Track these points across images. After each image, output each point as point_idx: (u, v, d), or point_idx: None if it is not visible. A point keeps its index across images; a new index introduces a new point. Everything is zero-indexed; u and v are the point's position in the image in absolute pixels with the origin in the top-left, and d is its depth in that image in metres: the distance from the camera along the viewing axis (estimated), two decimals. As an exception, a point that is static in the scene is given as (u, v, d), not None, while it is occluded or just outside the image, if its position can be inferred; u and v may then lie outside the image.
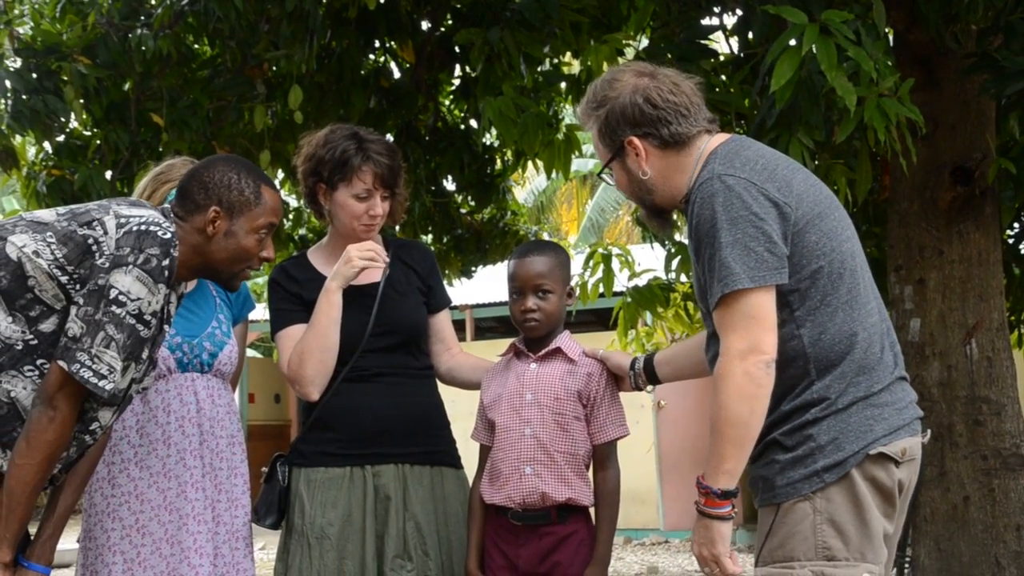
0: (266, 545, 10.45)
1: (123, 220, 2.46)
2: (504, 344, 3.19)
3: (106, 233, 2.44)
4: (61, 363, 2.40)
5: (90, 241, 2.44)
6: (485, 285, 11.77)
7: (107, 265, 2.41)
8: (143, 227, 2.44)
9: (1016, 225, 6.06)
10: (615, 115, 2.50)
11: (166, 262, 2.44)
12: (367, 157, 3.04)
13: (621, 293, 6.80)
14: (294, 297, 3.11)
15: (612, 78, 2.55)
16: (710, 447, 2.30)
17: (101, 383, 2.41)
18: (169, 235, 2.46)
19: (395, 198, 3.13)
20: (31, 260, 2.43)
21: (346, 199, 3.07)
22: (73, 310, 2.42)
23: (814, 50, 3.56)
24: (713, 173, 2.35)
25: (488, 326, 14.62)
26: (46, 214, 2.52)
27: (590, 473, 2.96)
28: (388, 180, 3.07)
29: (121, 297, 2.40)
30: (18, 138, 5.64)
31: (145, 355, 2.55)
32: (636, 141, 2.48)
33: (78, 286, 2.43)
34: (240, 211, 2.61)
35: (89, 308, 2.40)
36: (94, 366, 2.40)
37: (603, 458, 2.94)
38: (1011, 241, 6.06)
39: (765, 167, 2.36)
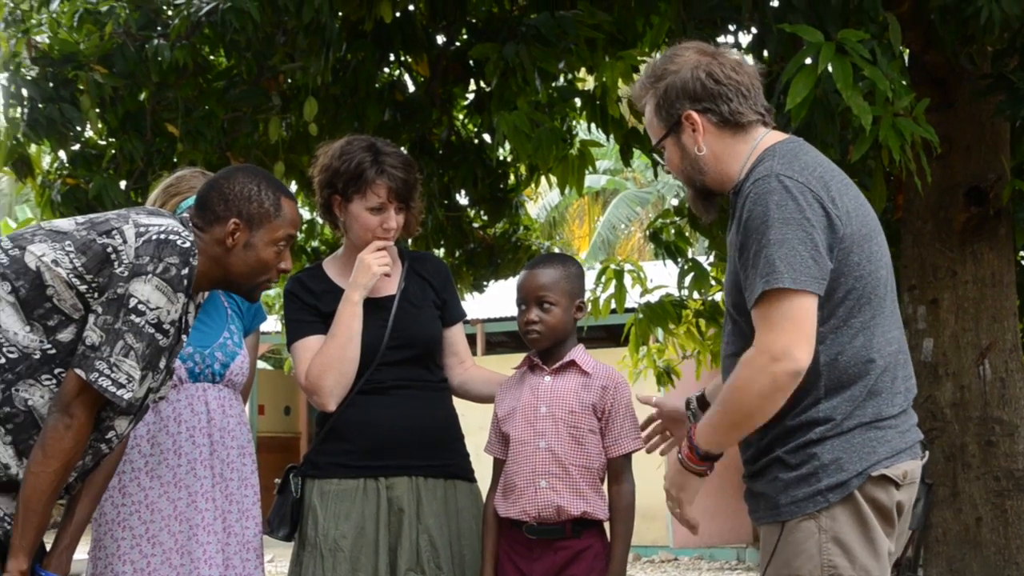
0: (275, 558, 10.44)
1: (142, 229, 2.46)
2: (515, 359, 3.18)
3: (125, 242, 2.44)
4: (79, 371, 2.39)
5: (109, 250, 2.44)
6: (497, 300, 11.76)
7: (126, 274, 2.41)
8: (163, 236, 2.44)
9: (1030, 246, 6.03)
10: (675, 88, 2.47)
11: (185, 271, 2.44)
12: (382, 170, 3.04)
13: (633, 309, 6.79)
14: (310, 308, 3.11)
15: (674, 53, 2.52)
16: (713, 412, 2.35)
17: (119, 392, 2.41)
18: (188, 244, 2.47)
19: (410, 211, 3.13)
20: (50, 269, 2.43)
21: (360, 211, 3.07)
22: (91, 319, 2.42)
23: (830, 69, 3.57)
24: (771, 171, 2.32)
25: (499, 340, 14.61)
26: (65, 223, 2.53)
27: (604, 487, 2.95)
28: (403, 194, 3.07)
29: (140, 306, 2.40)
30: (33, 147, 5.66)
31: (163, 364, 2.55)
32: (694, 115, 2.45)
33: (96, 295, 2.43)
34: (260, 223, 2.61)
35: (108, 317, 2.40)
36: (112, 375, 2.39)
37: (618, 471, 2.93)
38: (1024, 262, 6.04)
39: (822, 176, 2.34)
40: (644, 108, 2.57)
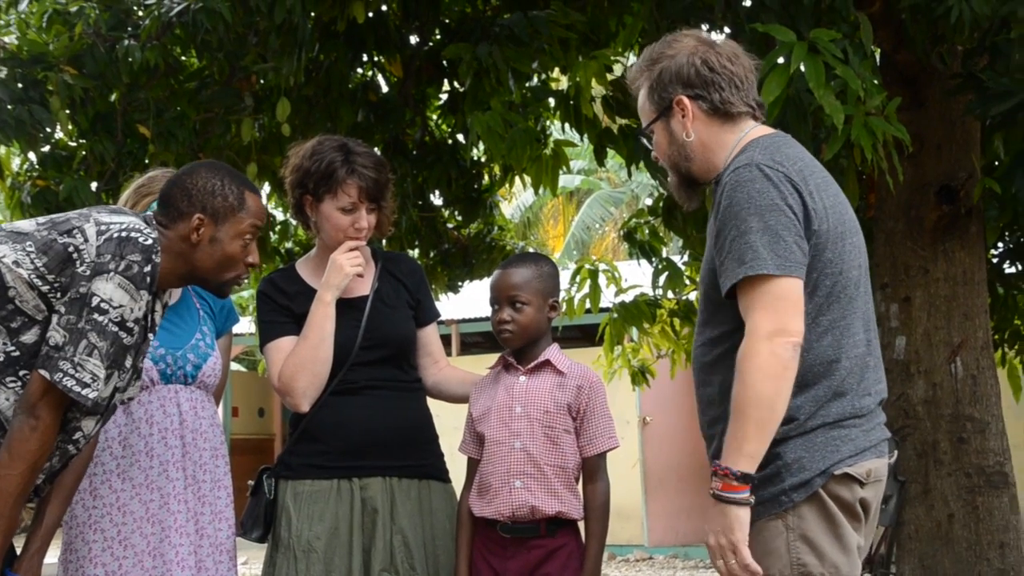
0: (249, 560, 10.39)
1: (103, 227, 2.44)
2: (490, 359, 3.18)
3: (87, 241, 2.42)
4: (43, 372, 2.37)
5: (70, 249, 2.42)
6: (471, 300, 11.75)
7: (88, 273, 2.39)
8: (124, 234, 2.42)
9: (1000, 245, 6.09)
10: (669, 72, 2.48)
11: (148, 268, 2.43)
12: (352, 170, 3.03)
13: (607, 309, 6.80)
14: (283, 309, 3.09)
15: (673, 39, 2.52)
16: (730, 429, 2.26)
17: (84, 391, 2.39)
18: (150, 241, 2.45)
19: (382, 211, 3.12)
20: (11, 270, 2.41)
21: (332, 211, 3.06)
22: (55, 319, 2.40)
23: (802, 68, 3.58)
24: (752, 160, 2.33)
25: (474, 341, 14.60)
26: (26, 224, 2.51)
27: (579, 486, 2.95)
28: (373, 193, 3.06)
29: (103, 305, 2.38)
30: (2, 148, 5.61)
31: (128, 363, 2.53)
32: (686, 101, 2.46)
33: (59, 295, 2.41)
34: (224, 217, 2.60)
35: (71, 316, 2.38)
36: (77, 374, 2.37)
37: (593, 471, 2.93)
38: (995, 260, 6.08)
39: (802, 170, 2.35)
40: (638, 91, 2.57)
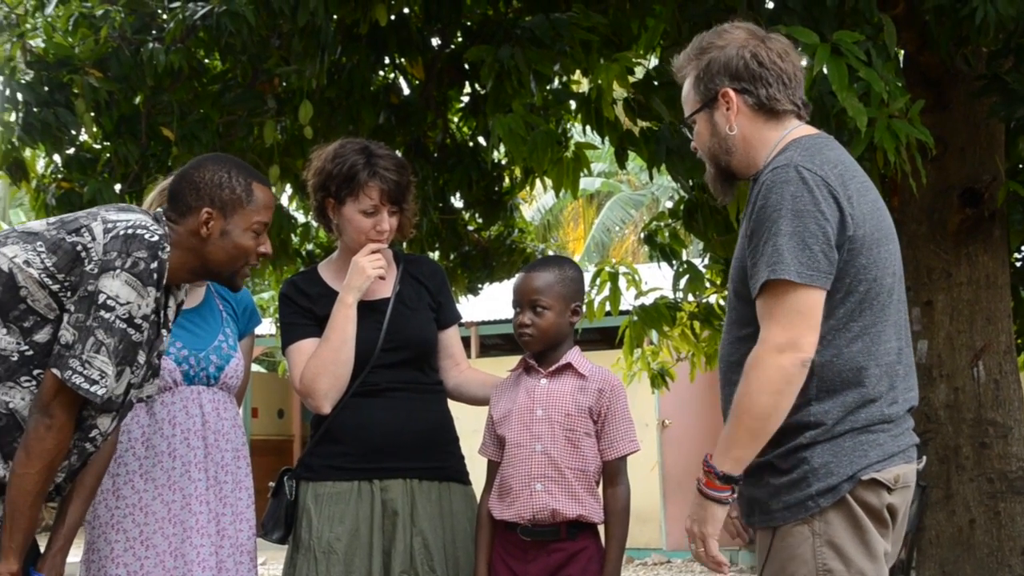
0: (267, 560, 10.42)
1: (110, 225, 2.45)
2: (509, 361, 3.18)
3: (94, 239, 2.43)
4: (55, 371, 2.39)
5: (79, 248, 2.43)
6: (491, 302, 11.76)
7: (95, 271, 2.40)
8: (130, 231, 2.44)
9: (1024, 248, 6.05)
10: (718, 63, 2.45)
11: (154, 265, 2.43)
12: (374, 173, 3.04)
13: (628, 312, 6.79)
14: (305, 311, 3.11)
15: (723, 30, 2.49)
16: (725, 428, 2.28)
17: (93, 388, 2.40)
18: (157, 238, 2.45)
19: (403, 213, 3.12)
20: (22, 270, 2.43)
21: (353, 214, 3.07)
22: (65, 318, 2.42)
23: (825, 70, 3.57)
24: (791, 161, 2.30)
25: (493, 343, 14.60)
26: (36, 224, 2.53)
27: (599, 489, 2.95)
28: (395, 196, 3.07)
29: (110, 302, 2.39)
30: (28, 151, 5.65)
31: (142, 359, 2.54)
32: (732, 94, 2.44)
33: (69, 293, 2.42)
34: (233, 210, 2.60)
35: (80, 315, 2.40)
36: (85, 371, 2.39)
37: (613, 474, 2.93)
38: (1019, 264, 6.04)
39: (841, 174, 2.33)
40: (683, 79, 2.54)
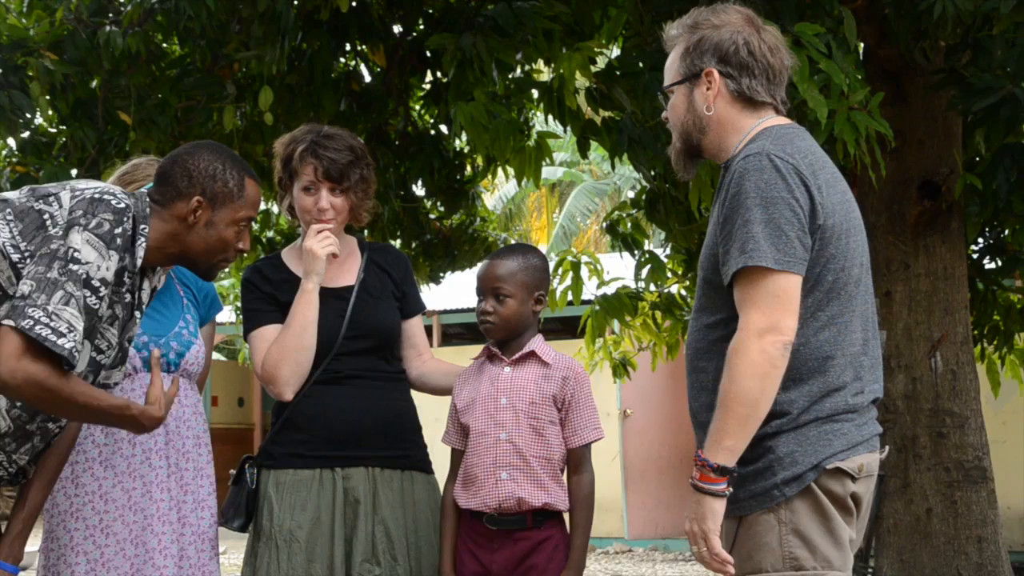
0: (227, 549, 10.37)
1: (77, 192, 2.41)
2: (471, 350, 3.18)
3: (61, 207, 2.39)
4: (8, 322, 2.25)
5: (45, 216, 2.38)
6: (453, 291, 11.75)
7: (60, 232, 2.35)
8: (97, 195, 2.40)
9: (981, 240, 6.12)
10: (709, 42, 2.45)
11: (118, 230, 2.39)
12: (309, 151, 3.05)
13: (589, 301, 6.80)
14: (268, 297, 3.09)
15: (721, 9, 2.49)
16: (714, 421, 2.28)
17: (60, 341, 2.26)
18: (124, 205, 2.41)
19: (348, 194, 3.10)
20: None
21: (297, 193, 3.09)
22: (24, 276, 2.31)
23: (787, 63, 3.57)
24: (763, 149, 2.31)
25: (455, 332, 14.59)
26: (11, 193, 2.47)
27: (564, 477, 2.95)
28: (332, 174, 3.05)
29: (77, 255, 2.32)
30: (-18, 134, 5.58)
31: (113, 339, 2.48)
32: (716, 75, 2.44)
33: (28, 262, 2.35)
34: (223, 202, 2.57)
35: (39, 267, 2.30)
36: (53, 324, 2.25)
37: (578, 462, 2.93)
38: (976, 256, 6.11)
39: (812, 163, 2.34)
40: (671, 48, 2.54)
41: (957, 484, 4.82)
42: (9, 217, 2.39)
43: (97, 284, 2.37)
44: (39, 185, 2.51)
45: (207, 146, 2.67)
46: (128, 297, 2.50)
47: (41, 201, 2.41)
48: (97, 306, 2.39)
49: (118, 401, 2.45)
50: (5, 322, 2.26)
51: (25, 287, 2.29)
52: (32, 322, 2.24)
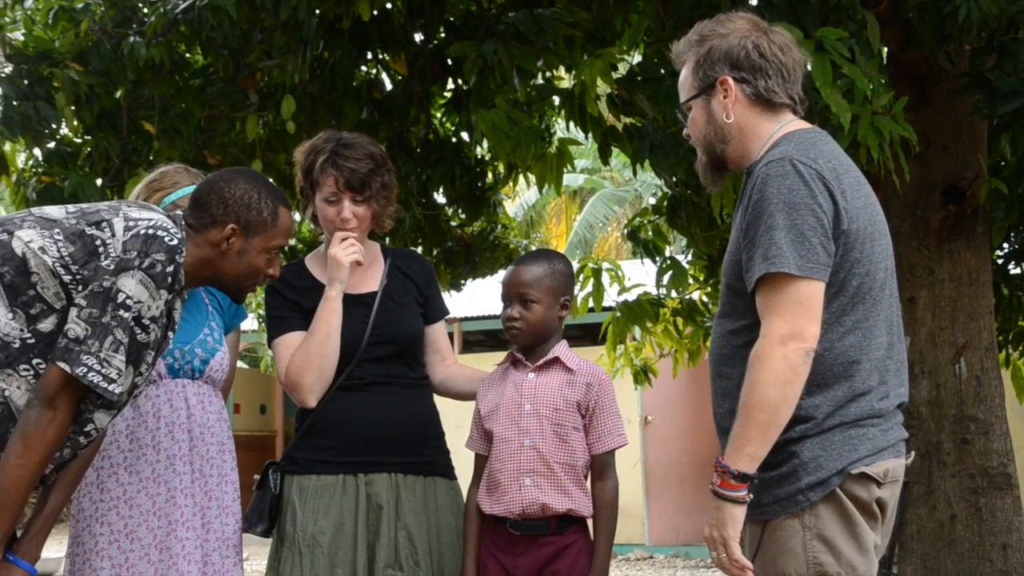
0: (251, 555, 10.40)
1: (131, 223, 2.45)
2: (492, 357, 3.18)
3: (114, 235, 2.43)
4: (62, 365, 2.38)
5: (97, 242, 2.43)
6: (474, 298, 11.75)
7: (113, 268, 2.40)
8: (151, 231, 2.44)
9: (1006, 245, 6.09)
10: (719, 51, 2.45)
11: (170, 268, 2.44)
12: (331, 161, 3.05)
13: (610, 308, 6.79)
14: (292, 304, 3.10)
15: (726, 19, 2.49)
16: (735, 428, 2.27)
17: (111, 387, 2.40)
18: (176, 242, 2.46)
19: (370, 203, 3.10)
20: (36, 256, 2.41)
21: (320, 204, 3.10)
22: (74, 311, 2.40)
23: (809, 67, 3.57)
24: (786, 155, 2.31)
25: (476, 339, 14.60)
26: (55, 211, 2.51)
27: (588, 483, 2.95)
28: (354, 184, 3.06)
29: (128, 301, 2.39)
30: (8, 145, 5.61)
31: (150, 360, 2.54)
32: (731, 82, 2.44)
33: (80, 287, 2.41)
34: (256, 231, 2.61)
35: (94, 310, 2.39)
36: (104, 370, 2.39)
37: (602, 468, 2.92)
38: (1001, 261, 6.08)
39: (836, 168, 2.33)
40: (681, 65, 2.54)
41: (981, 491, 4.79)
42: (58, 237, 2.43)
43: (147, 323, 2.45)
44: (86, 205, 2.55)
45: (243, 173, 2.70)
46: (164, 320, 2.54)
47: (94, 227, 2.45)
48: (146, 341, 2.48)
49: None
50: (61, 365, 2.38)
51: (80, 330, 2.38)
52: (86, 369, 2.38)
